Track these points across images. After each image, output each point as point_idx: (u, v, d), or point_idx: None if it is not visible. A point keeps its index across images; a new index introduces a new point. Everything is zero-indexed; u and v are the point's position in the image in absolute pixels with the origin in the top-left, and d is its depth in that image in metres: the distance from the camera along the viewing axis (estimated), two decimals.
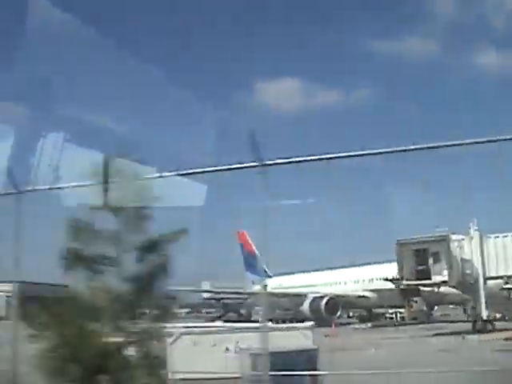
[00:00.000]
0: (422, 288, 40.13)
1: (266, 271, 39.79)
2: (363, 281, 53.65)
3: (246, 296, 61.86)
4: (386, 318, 59.03)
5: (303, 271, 62.08)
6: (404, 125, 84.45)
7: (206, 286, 63.47)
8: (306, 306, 51.84)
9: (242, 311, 66.79)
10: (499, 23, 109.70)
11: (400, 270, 36.81)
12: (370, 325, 47.77)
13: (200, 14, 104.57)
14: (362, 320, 54.01)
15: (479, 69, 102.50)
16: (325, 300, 50.59)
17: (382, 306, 54.84)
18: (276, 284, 56.46)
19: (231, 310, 67.68)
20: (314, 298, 51.70)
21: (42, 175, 9.04)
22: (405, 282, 37.30)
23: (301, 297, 53.22)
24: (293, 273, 62.43)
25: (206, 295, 66.93)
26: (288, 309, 56.37)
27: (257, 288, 39.23)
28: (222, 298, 66.53)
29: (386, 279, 43.66)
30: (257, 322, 33.39)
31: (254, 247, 64.30)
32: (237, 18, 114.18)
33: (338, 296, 51.72)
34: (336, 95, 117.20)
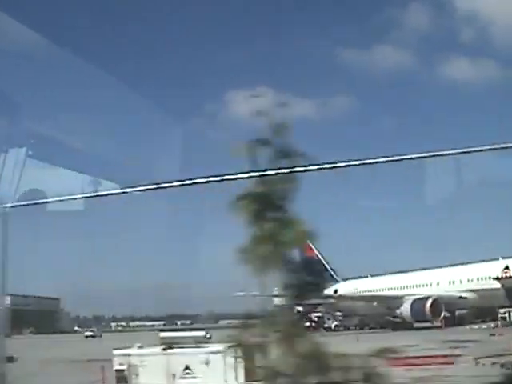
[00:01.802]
0: None
1: (332, 276, 62.75)
2: (460, 281, 51.40)
3: (319, 302, 50.64)
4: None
5: (380, 274, 52.80)
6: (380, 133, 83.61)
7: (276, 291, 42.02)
8: (405, 309, 49.82)
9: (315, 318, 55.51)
10: (470, 33, 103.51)
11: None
12: (492, 325, 44.89)
13: (169, 22, 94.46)
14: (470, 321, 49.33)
15: (449, 78, 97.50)
16: (429, 302, 48.41)
17: (486, 307, 49.75)
18: (350, 289, 53.01)
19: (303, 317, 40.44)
20: (415, 300, 49.46)
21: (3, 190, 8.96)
22: None
23: (395, 300, 50.69)
24: (366, 276, 52.88)
25: (277, 301, 38.28)
26: (375, 313, 52.19)
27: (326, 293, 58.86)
28: (298, 304, 39.33)
29: (497, 278, 46.13)
30: (330, 329, 62.39)
31: (316, 251, 47.04)
32: (208, 26, 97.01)
33: (441, 297, 49.38)
34: (310, 105, 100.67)
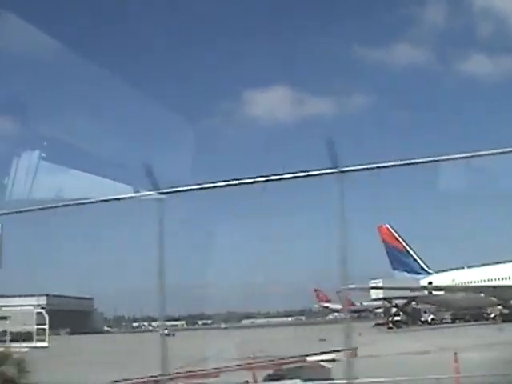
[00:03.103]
0: None
1: (423, 268, 59.94)
2: None
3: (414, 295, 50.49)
4: None
5: (478, 265, 49.55)
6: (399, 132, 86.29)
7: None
8: None
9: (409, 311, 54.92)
10: (488, 30, 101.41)
11: None
12: None
13: (185, 21, 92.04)
14: None
15: (468, 75, 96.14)
16: None
17: None
18: (447, 280, 50.26)
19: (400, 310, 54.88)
20: None
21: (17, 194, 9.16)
22: None
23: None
24: (462, 268, 49.53)
25: (374, 295, 54.17)
26: (473, 305, 50.08)
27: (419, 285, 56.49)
28: (395, 298, 52.82)
29: None
30: (426, 322, 60.83)
31: (403, 243, 55.13)
32: (225, 25, 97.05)
33: None
34: (328, 103, 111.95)
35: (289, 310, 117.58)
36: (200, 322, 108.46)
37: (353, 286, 50.38)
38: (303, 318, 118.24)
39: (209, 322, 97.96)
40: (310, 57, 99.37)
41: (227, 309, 77.59)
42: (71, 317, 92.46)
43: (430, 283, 51.54)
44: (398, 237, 56.03)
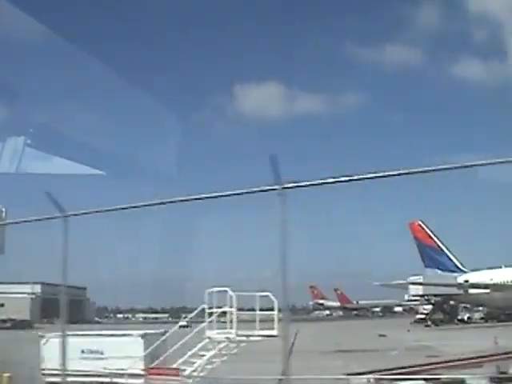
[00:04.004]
0: None
1: (457, 266, 57.84)
2: None
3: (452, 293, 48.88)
4: None
5: None
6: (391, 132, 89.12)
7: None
8: None
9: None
10: (481, 35, 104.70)
11: None
12: None
13: (180, 16, 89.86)
14: None
15: (460, 78, 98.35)
16: None
17: None
18: (485, 279, 48.27)
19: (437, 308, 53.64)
20: None
21: None
22: None
23: None
24: (500, 267, 48.19)
25: (413, 291, 53.20)
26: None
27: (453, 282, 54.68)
28: (437, 295, 50.97)
29: None
30: (463, 321, 59.78)
31: (436, 240, 53.04)
32: (219, 19, 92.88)
33: None
34: (320, 101, 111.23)
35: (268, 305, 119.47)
36: (183, 316, 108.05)
37: (394, 282, 49.11)
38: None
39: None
40: (304, 54, 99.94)
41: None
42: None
43: (467, 281, 49.45)
44: (430, 234, 53.73)
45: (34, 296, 76.99)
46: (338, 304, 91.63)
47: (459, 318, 51.82)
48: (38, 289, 77.15)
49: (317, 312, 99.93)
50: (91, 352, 14.89)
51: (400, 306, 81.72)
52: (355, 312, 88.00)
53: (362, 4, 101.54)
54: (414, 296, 55.41)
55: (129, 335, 15.62)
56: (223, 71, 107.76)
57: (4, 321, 63.17)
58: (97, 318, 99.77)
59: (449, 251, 52.50)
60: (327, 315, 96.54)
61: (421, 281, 49.59)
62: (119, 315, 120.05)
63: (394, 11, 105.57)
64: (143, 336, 14.96)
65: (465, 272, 51.83)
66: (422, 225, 54.05)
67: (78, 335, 15.15)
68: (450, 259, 52.56)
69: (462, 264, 52.46)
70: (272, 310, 11.25)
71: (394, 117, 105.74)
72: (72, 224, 10.03)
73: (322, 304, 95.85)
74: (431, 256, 53.59)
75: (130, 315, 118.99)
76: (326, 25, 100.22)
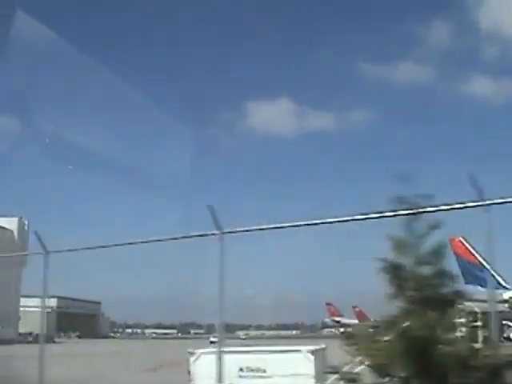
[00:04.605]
0: None
1: (500, 283, 53.73)
2: None
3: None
4: None
5: None
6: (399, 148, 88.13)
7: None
8: None
9: None
10: (492, 52, 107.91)
11: None
12: None
13: (190, 29, 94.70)
14: None
15: (470, 96, 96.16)
16: None
17: None
18: None
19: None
20: None
21: None
22: None
23: None
24: None
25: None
26: None
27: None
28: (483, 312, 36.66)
29: None
30: (508, 339, 54.90)
31: (478, 256, 48.91)
32: (230, 36, 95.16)
33: None
34: (329, 118, 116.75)
35: (279, 323, 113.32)
36: (192, 331, 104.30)
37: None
38: (297, 331, 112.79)
39: (201, 331, 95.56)
40: (314, 71, 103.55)
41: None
42: (80, 320, 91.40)
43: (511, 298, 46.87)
44: (471, 250, 50.71)
45: (49, 310, 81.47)
46: (355, 321, 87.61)
47: (505, 335, 48.29)
48: (53, 302, 78.53)
49: (326, 329, 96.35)
50: (251, 370, 13.86)
51: None
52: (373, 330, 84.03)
53: (372, 22, 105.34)
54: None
55: (297, 351, 14.49)
56: (234, 88, 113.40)
57: (28, 334, 65.05)
58: (111, 333, 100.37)
59: (491, 267, 50.19)
60: (342, 333, 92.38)
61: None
62: (128, 330, 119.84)
63: (404, 29, 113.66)
64: (313, 352, 13.94)
65: (508, 289, 49.09)
66: (463, 241, 50.64)
67: (234, 352, 13.85)
68: (493, 276, 50.14)
69: (505, 281, 49.81)
70: None
71: (402, 133, 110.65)
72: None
73: (338, 321, 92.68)
74: (472, 272, 50.25)
75: (138, 330, 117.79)
76: (337, 42, 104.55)
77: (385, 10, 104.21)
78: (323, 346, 14.90)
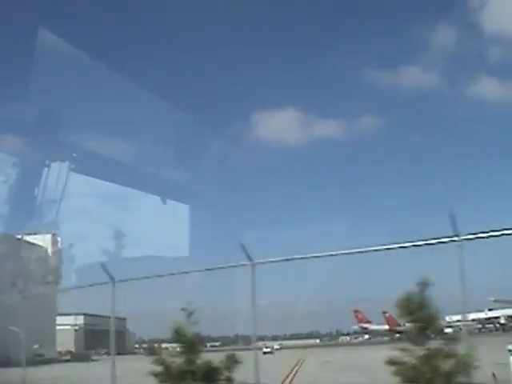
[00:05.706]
0: None
1: None
2: None
3: None
4: None
5: None
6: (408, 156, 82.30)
7: None
8: None
9: None
10: (499, 54, 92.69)
11: None
12: None
13: (195, 38, 73.66)
14: None
15: (478, 99, 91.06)
16: None
17: None
18: None
19: None
20: None
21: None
22: None
23: None
24: None
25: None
26: None
27: None
28: None
29: None
30: None
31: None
32: (234, 46, 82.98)
33: None
34: (337, 125, 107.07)
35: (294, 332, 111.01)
36: (208, 344, 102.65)
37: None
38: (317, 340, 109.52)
39: (217, 344, 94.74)
40: (321, 78, 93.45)
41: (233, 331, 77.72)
42: (106, 337, 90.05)
43: None
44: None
45: (77, 327, 79.49)
46: (385, 327, 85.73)
47: None
48: (80, 320, 79.36)
49: (345, 337, 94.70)
50: None
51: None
52: (398, 335, 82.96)
53: (377, 27, 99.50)
54: None
55: None
56: (240, 98, 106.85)
57: (67, 352, 65.56)
58: (136, 350, 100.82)
59: None
60: (368, 339, 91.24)
61: None
62: (144, 345, 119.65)
63: (409, 33, 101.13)
64: None
65: None
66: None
67: None
68: None
69: None
70: None
71: (412, 139, 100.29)
72: None
73: (366, 328, 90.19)
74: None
75: (156, 344, 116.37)
76: (343, 49, 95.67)
77: (389, 14, 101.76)
78: None
